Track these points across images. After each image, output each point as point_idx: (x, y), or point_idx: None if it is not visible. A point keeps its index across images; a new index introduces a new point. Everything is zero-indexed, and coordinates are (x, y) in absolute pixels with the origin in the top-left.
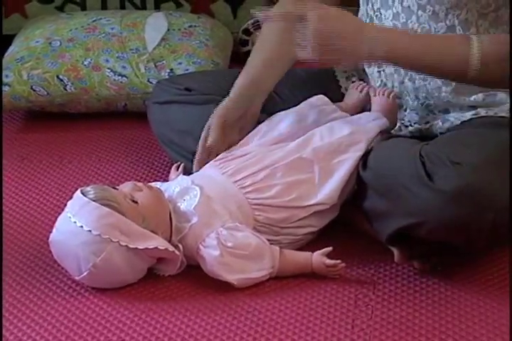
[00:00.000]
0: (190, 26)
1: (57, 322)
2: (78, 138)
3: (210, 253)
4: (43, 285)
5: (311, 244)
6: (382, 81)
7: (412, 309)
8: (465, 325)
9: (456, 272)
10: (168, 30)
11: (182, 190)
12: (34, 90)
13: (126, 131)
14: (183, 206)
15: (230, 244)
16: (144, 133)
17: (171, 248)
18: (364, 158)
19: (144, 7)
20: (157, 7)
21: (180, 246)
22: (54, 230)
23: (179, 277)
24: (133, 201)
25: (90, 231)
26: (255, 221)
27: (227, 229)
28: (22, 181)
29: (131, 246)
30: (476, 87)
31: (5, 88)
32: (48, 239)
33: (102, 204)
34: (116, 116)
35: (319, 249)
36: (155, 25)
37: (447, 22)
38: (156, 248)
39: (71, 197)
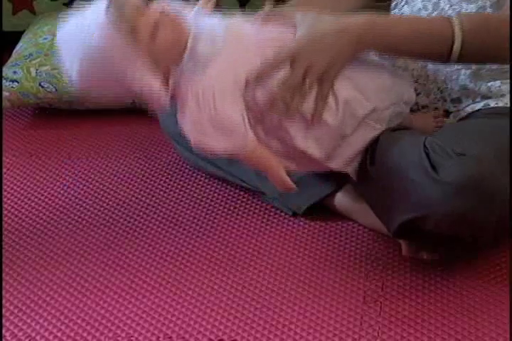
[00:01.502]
0: None
1: (66, 318)
2: (86, 134)
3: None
4: (51, 282)
5: (317, 240)
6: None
7: (421, 305)
8: (474, 321)
9: (464, 268)
10: None
11: (209, 35)
12: (42, 87)
13: (134, 128)
14: (200, 50)
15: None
16: (153, 130)
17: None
18: (370, 152)
19: None
20: None
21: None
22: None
23: (185, 273)
24: (151, 36)
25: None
26: None
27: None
28: (30, 177)
29: None
30: (495, 73)
31: (13, 84)
32: (55, 235)
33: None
34: (125, 112)
35: (325, 247)
36: None
37: (479, 3)
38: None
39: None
